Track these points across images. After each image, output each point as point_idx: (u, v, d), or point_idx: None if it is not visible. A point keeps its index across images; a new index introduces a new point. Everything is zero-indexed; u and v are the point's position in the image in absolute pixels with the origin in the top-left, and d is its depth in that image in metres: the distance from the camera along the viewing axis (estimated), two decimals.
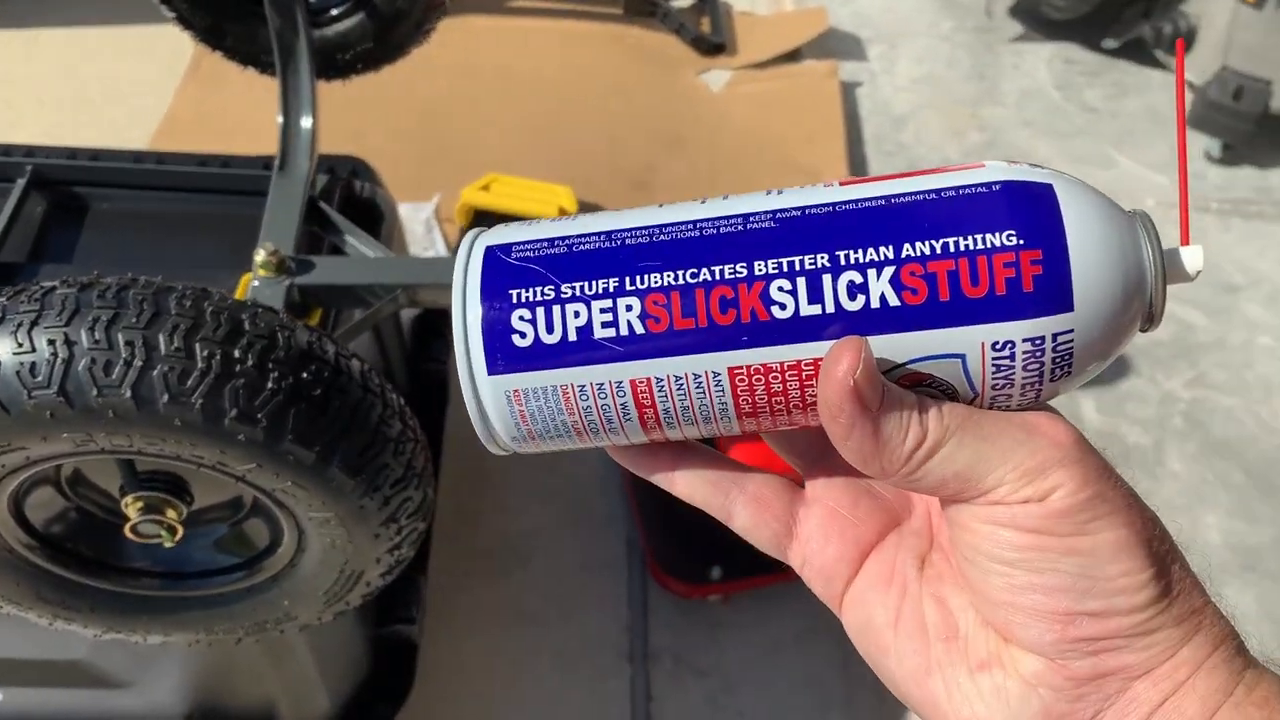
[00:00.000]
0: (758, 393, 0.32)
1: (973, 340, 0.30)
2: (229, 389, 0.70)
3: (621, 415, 0.33)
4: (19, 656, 1.08)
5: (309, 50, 1.23)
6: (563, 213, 1.83)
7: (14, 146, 1.36)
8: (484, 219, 1.94)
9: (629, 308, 0.32)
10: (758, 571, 1.45)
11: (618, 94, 2.26)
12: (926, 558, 0.36)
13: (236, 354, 0.71)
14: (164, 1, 1.26)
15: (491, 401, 0.33)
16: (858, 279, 0.31)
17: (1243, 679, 0.31)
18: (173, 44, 2.18)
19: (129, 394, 0.68)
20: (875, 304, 0.31)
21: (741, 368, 0.31)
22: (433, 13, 1.31)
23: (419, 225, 1.94)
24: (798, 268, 0.31)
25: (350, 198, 1.36)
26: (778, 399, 0.32)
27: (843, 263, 0.31)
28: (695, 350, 0.32)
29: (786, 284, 0.31)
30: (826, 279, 0.31)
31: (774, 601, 1.50)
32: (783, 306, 0.31)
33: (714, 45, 2.33)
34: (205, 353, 0.70)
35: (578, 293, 0.32)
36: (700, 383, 0.32)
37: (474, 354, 0.32)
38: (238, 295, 1.08)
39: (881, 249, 0.31)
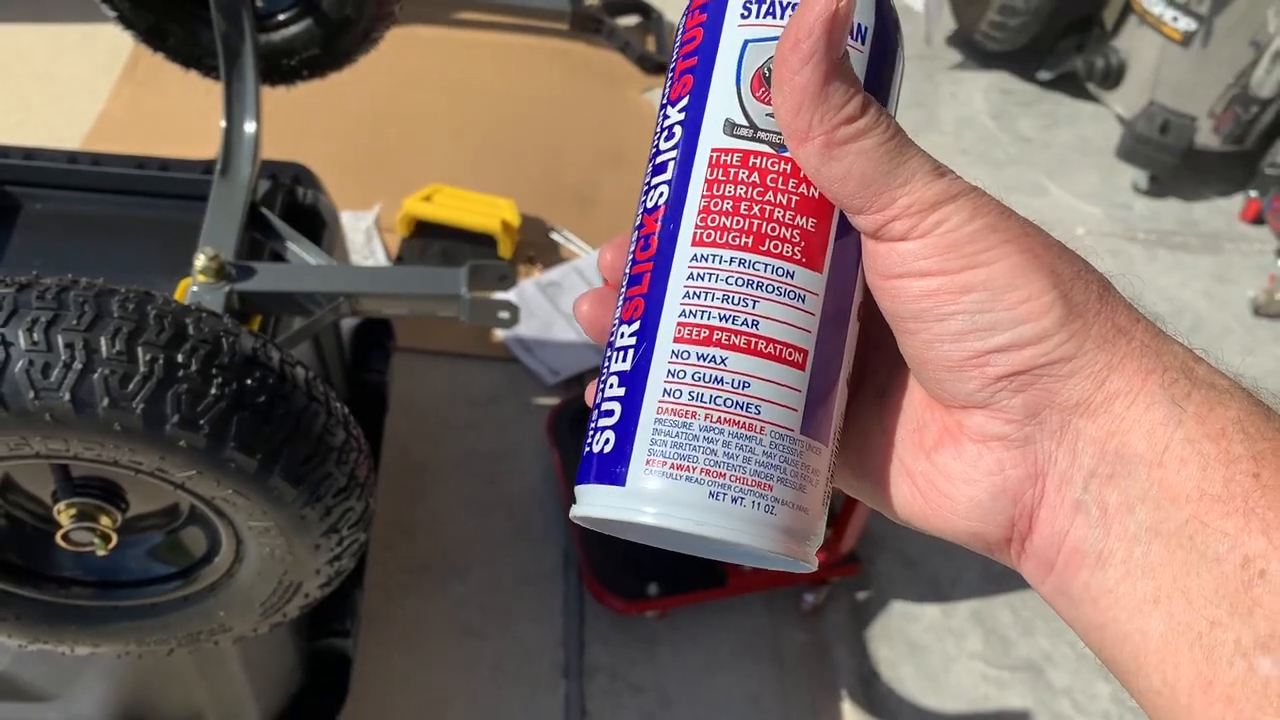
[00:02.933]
0: (721, 215, 0.32)
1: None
2: (171, 394, 0.69)
3: (713, 361, 0.32)
4: None
5: (254, 55, 1.22)
6: (505, 226, 1.82)
7: None
8: (425, 229, 1.93)
9: (621, 333, 0.34)
10: (695, 588, 1.46)
11: (562, 109, 2.27)
12: (885, 390, 0.36)
13: (180, 359, 0.70)
14: (105, 0, 1.24)
15: (655, 486, 0.32)
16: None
17: (1188, 407, 0.30)
18: (111, 43, 2.15)
19: (68, 397, 0.67)
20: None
21: (701, 200, 0.33)
22: (381, 22, 1.31)
23: (359, 234, 1.93)
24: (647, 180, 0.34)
25: (292, 204, 1.34)
26: (739, 203, 0.32)
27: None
28: (664, 266, 0.33)
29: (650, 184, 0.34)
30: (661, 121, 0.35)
31: (711, 618, 1.50)
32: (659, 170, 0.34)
33: (658, 64, 2.35)
34: (148, 357, 0.68)
35: (601, 376, 0.34)
36: (669, 230, 0.33)
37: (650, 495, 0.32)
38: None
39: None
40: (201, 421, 0.70)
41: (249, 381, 0.72)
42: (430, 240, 1.93)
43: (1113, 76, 2.19)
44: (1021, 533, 0.33)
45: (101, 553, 0.81)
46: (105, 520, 0.80)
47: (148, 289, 0.73)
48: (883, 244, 0.32)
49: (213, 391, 0.70)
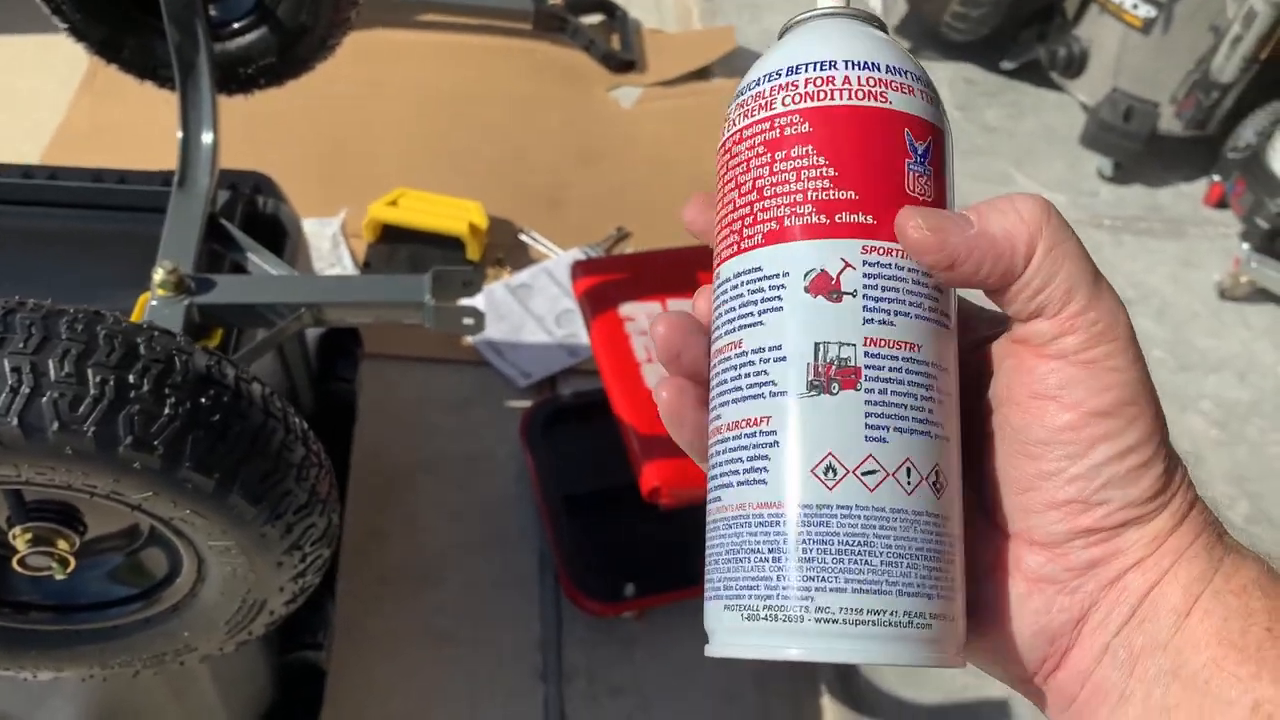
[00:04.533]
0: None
1: None
2: (123, 416, 0.68)
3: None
4: None
5: (209, 64, 1.20)
6: (473, 229, 1.81)
7: None
8: (392, 234, 1.91)
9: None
10: (672, 588, 1.45)
11: (528, 109, 2.26)
12: None
13: (131, 379, 0.68)
14: (57, 12, 1.22)
15: None
16: None
17: (1221, 566, 0.33)
18: (67, 55, 2.11)
19: (16, 422, 0.66)
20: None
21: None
22: (337, 28, 1.29)
23: (325, 241, 1.91)
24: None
25: (253, 214, 1.33)
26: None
27: None
28: None
29: None
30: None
31: (688, 617, 1.50)
32: None
33: (624, 62, 2.34)
34: (98, 378, 0.67)
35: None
36: None
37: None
38: (135, 315, 1.05)
39: None
40: (155, 442, 0.69)
41: (203, 400, 0.71)
42: (397, 245, 1.92)
43: (1075, 65, 2.20)
44: (1049, 669, 0.34)
45: (60, 576, 0.80)
46: (63, 544, 0.79)
47: (97, 309, 0.72)
48: (1045, 360, 0.33)
49: (166, 411, 0.69)
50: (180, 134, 1.22)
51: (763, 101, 0.35)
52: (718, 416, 0.34)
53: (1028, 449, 0.33)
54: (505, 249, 1.94)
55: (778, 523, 0.32)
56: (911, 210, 0.33)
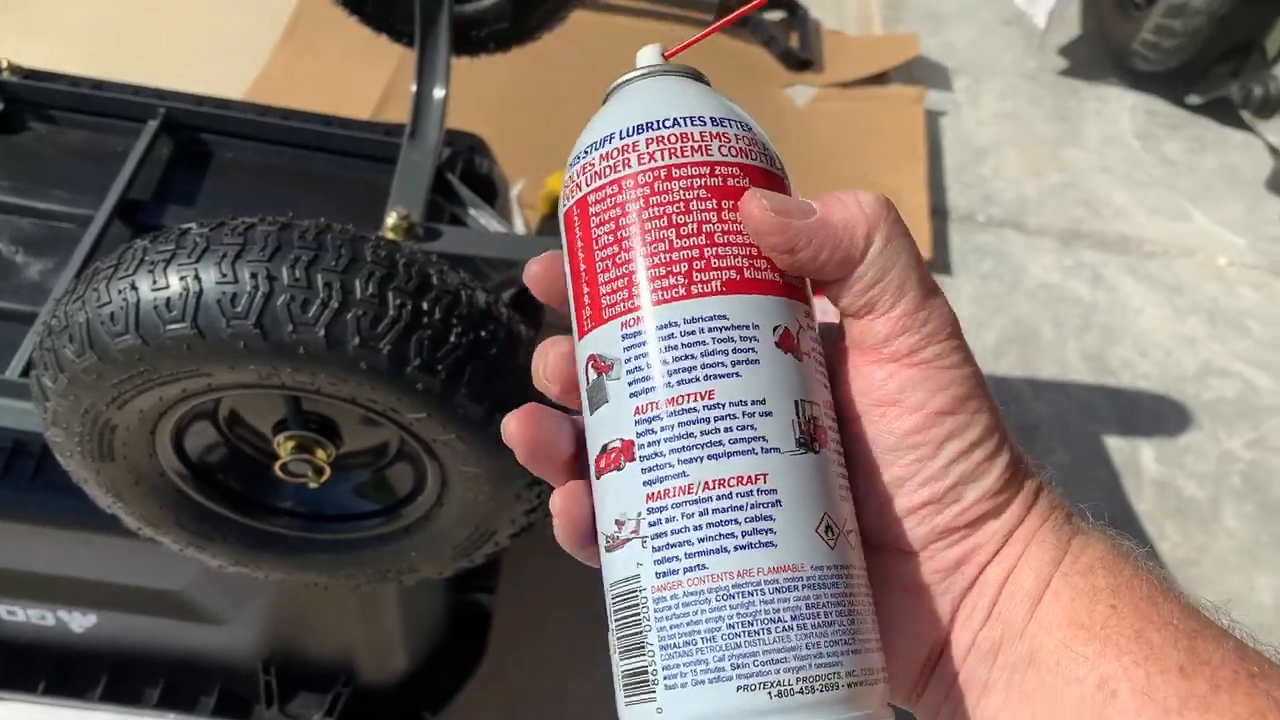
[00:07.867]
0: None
1: None
2: (415, 339, 0.72)
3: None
4: (120, 581, 1.10)
5: (449, 23, 1.25)
6: None
7: (144, 88, 1.39)
8: None
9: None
10: None
11: None
12: None
13: (425, 306, 0.73)
14: None
15: None
16: None
17: (1069, 548, 0.33)
18: (279, 2, 2.22)
19: (322, 333, 0.71)
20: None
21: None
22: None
23: None
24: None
25: (470, 173, 1.38)
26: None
27: None
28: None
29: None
30: None
31: None
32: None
33: (802, 60, 2.36)
34: (397, 302, 0.72)
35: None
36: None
37: None
38: None
39: None
40: (439, 367, 0.73)
41: (483, 334, 0.75)
42: None
43: (1270, 105, 2.14)
44: (926, 675, 0.35)
45: (313, 485, 0.86)
46: (321, 454, 0.84)
47: (394, 240, 0.77)
48: (881, 364, 0.34)
49: (451, 339, 0.74)
50: (414, 88, 1.27)
51: (694, 144, 0.34)
52: (681, 474, 0.31)
53: (878, 459, 0.34)
54: None
55: (797, 587, 0.30)
56: (757, 192, 0.33)
